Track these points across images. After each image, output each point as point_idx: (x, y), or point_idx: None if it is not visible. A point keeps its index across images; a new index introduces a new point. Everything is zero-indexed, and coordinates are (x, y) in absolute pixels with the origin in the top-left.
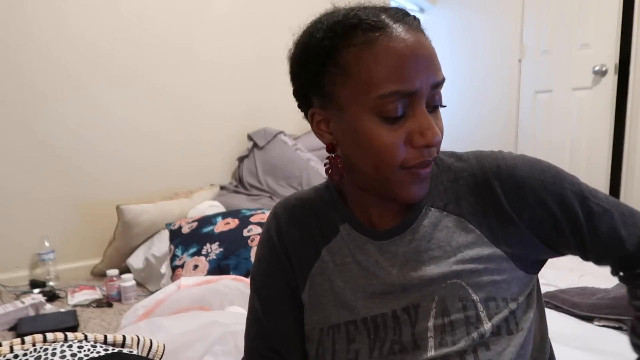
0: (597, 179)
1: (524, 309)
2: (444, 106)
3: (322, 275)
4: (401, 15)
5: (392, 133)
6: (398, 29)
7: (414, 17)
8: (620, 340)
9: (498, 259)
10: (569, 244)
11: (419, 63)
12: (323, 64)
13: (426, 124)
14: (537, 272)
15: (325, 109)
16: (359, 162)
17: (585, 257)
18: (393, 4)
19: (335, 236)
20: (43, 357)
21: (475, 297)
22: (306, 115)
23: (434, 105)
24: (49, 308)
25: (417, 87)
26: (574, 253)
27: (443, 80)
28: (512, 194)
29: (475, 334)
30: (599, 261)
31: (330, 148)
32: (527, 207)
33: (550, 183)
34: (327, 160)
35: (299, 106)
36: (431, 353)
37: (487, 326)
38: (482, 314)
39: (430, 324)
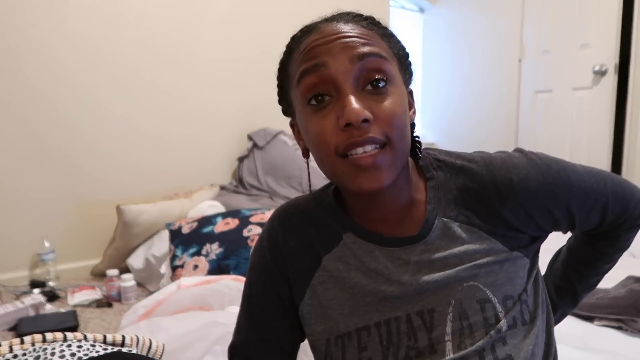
0: None
1: (533, 296)
2: (384, 82)
3: (324, 284)
4: (335, 15)
5: (321, 120)
6: (321, 26)
7: (354, 13)
8: (620, 340)
9: (513, 259)
10: (561, 230)
11: (328, 41)
12: (282, 77)
13: (345, 102)
14: (538, 255)
15: (294, 117)
16: (315, 157)
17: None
18: (393, 4)
19: (337, 245)
20: (42, 356)
21: (493, 298)
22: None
23: (373, 85)
24: (49, 308)
25: (323, 60)
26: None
27: (371, 53)
28: (523, 206)
29: (493, 332)
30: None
31: (304, 153)
32: (536, 215)
33: (561, 193)
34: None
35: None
36: (450, 356)
37: (504, 322)
38: (501, 314)
39: (449, 328)
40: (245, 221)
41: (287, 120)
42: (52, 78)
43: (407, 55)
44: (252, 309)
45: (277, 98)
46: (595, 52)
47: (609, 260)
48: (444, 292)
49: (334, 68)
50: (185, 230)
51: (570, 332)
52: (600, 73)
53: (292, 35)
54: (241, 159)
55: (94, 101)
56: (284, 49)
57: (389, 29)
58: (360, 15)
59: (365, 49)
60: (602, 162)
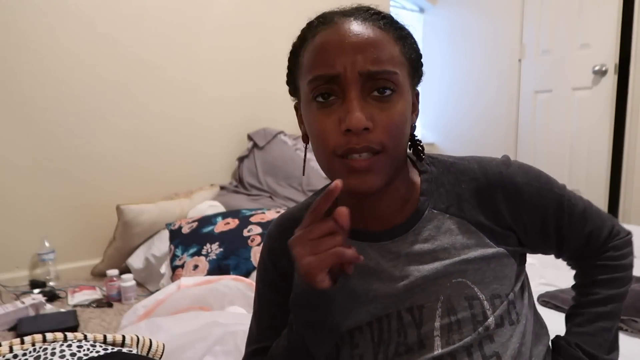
0: (596, 179)
1: (520, 298)
2: (390, 90)
3: None
4: (353, 10)
5: (325, 118)
6: (339, 21)
7: (372, 11)
8: (621, 340)
9: (500, 256)
10: (549, 245)
11: (344, 48)
12: (293, 62)
13: (349, 108)
14: (524, 264)
15: (299, 101)
16: (313, 149)
17: (558, 255)
18: (393, 4)
19: None
20: (42, 356)
21: (481, 295)
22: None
23: (379, 92)
24: (49, 308)
25: (338, 71)
26: (547, 253)
27: (381, 71)
28: (512, 201)
29: (481, 329)
30: (568, 258)
31: (304, 138)
32: (523, 213)
33: (544, 190)
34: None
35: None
36: (438, 351)
37: (492, 319)
38: (489, 312)
39: (437, 324)
40: (245, 221)
41: (287, 121)
42: (52, 78)
43: (419, 57)
44: (264, 319)
45: (279, 92)
46: (595, 52)
47: (618, 285)
48: (433, 288)
49: (343, 76)
50: (185, 230)
51: None
52: (600, 73)
53: (308, 22)
54: (241, 159)
55: (94, 101)
56: (294, 39)
57: (406, 28)
58: (379, 14)
59: (376, 68)
60: (601, 161)
